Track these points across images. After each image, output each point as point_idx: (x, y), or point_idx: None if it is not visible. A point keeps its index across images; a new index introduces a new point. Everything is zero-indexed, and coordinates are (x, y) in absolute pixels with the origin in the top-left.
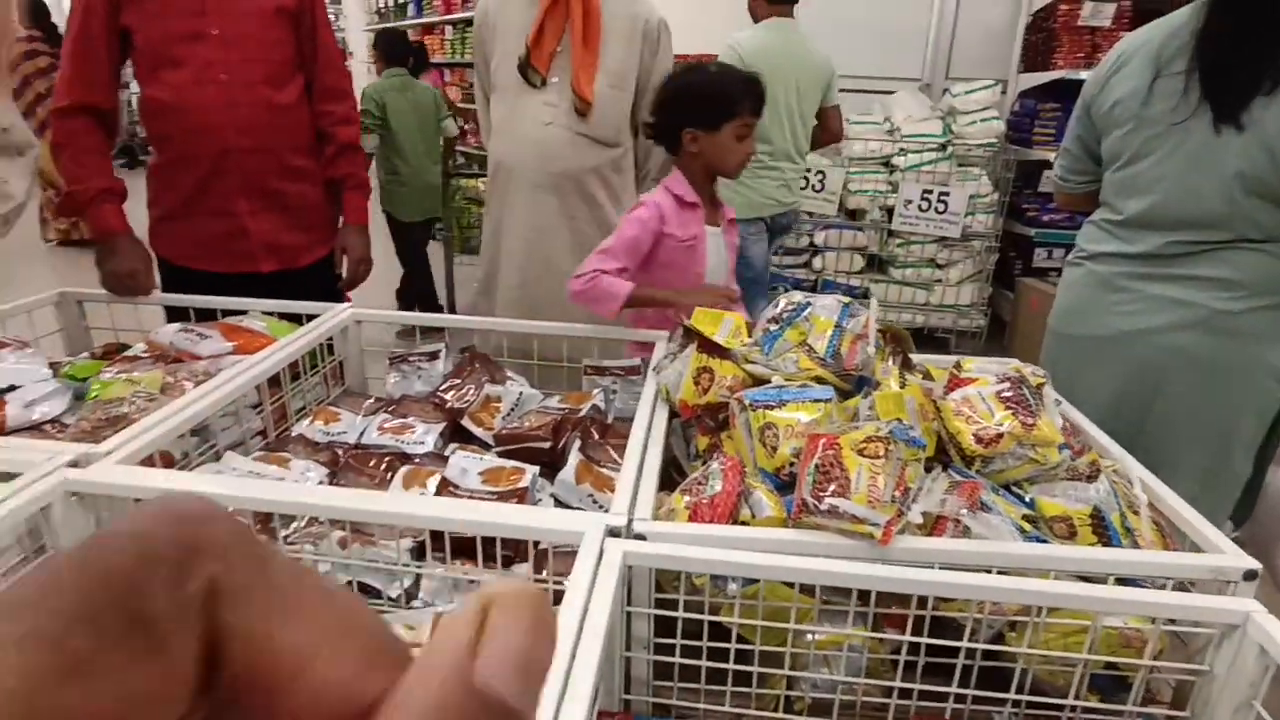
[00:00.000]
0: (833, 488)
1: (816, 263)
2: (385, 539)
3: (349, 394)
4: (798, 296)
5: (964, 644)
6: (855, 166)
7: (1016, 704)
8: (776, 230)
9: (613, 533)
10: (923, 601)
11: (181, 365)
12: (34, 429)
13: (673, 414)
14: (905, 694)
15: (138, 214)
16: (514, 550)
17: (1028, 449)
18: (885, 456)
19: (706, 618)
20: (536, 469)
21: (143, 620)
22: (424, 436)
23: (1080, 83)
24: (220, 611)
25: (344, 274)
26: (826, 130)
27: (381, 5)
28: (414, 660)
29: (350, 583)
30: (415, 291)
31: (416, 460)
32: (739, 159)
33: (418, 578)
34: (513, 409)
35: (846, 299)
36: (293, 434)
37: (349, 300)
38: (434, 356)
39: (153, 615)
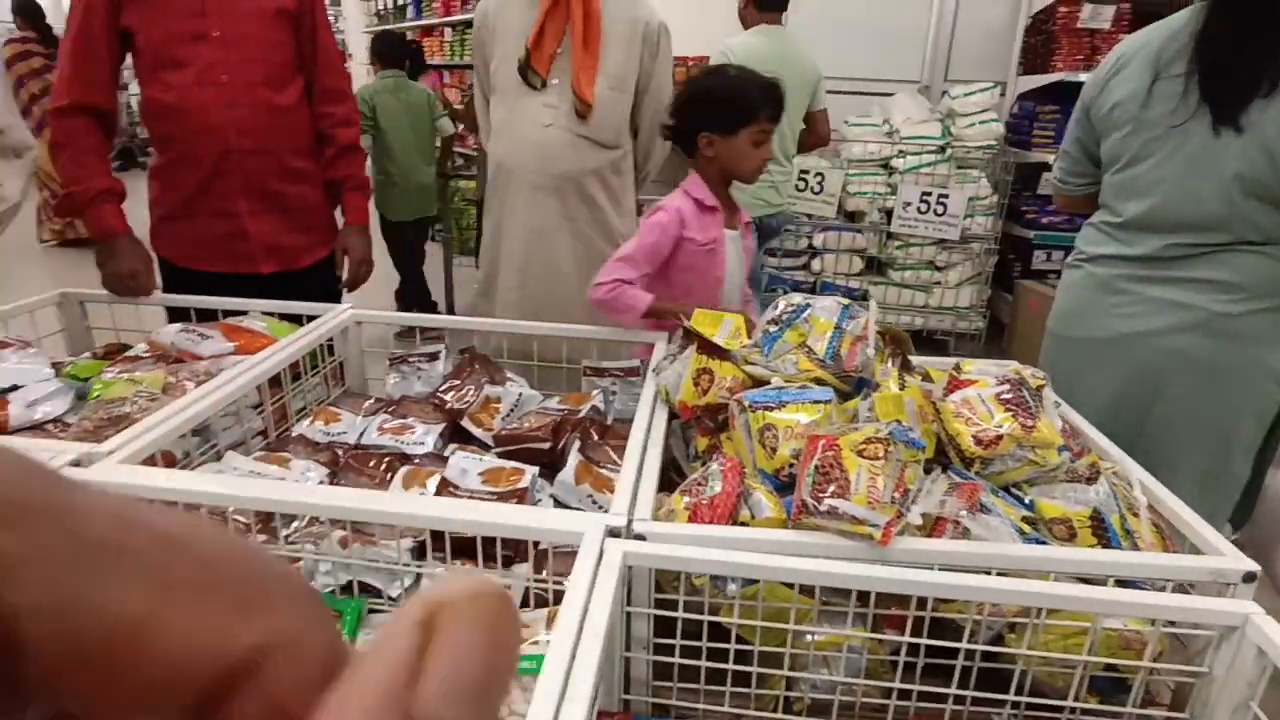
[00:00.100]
0: (832, 489)
1: (815, 265)
2: (386, 539)
3: (349, 394)
4: (797, 298)
5: (963, 645)
6: (854, 169)
7: (1016, 705)
8: (765, 232)
9: (612, 533)
10: (922, 603)
11: (183, 365)
12: (36, 429)
13: (672, 415)
14: (904, 695)
15: (138, 214)
16: (514, 550)
17: (1027, 451)
18: (885, 458)
19: (706, 618)
20: (536, 469)
21: None
22: (424, 437)
23: (1079, 85)
24: None
25: (345, 275)
26: (814, 133)
27: (381, 7)
28: (339, 682)
29: (351, 582)
30: (409, 291)
31: (416, 461)
32: (755, 164)
33: (418, 577)
34: (512, 410)
35: (846, 301)
36: (293, 434)
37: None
38: (434, 357)
39: None
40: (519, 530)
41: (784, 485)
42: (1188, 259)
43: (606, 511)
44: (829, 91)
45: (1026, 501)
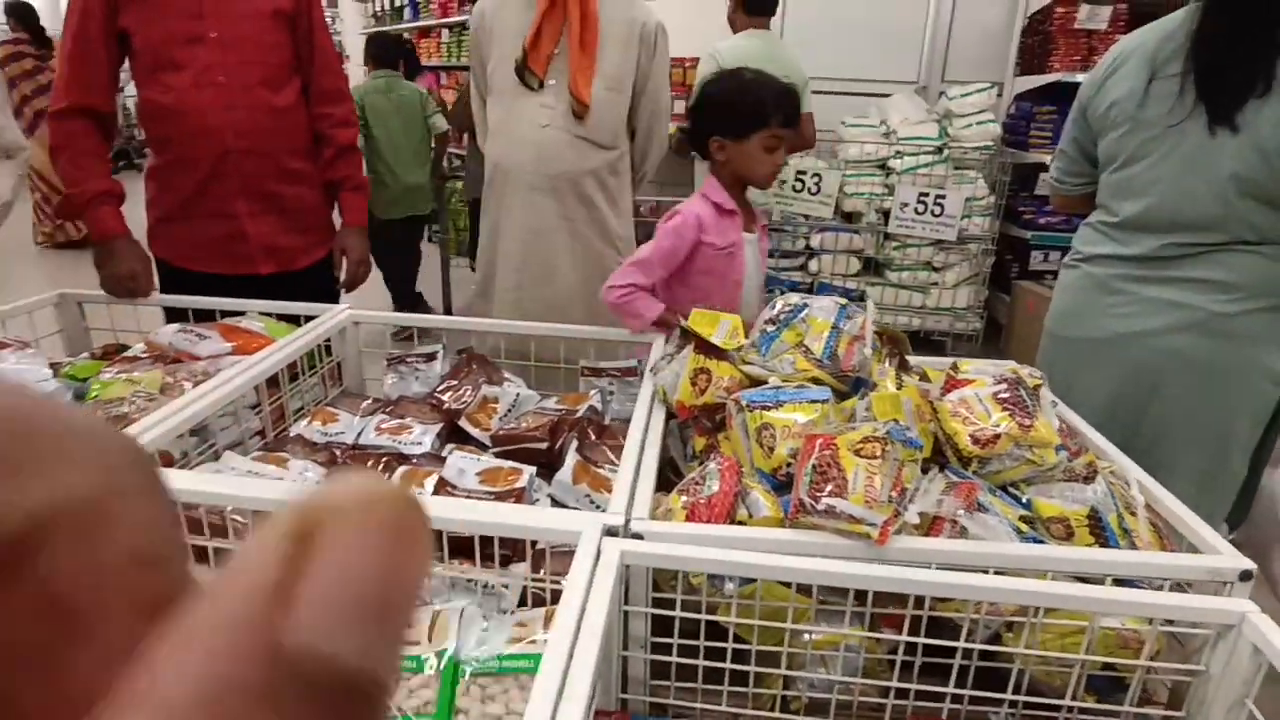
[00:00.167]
0: (830, 488)
1: (812, 265)
2: None
3: (347, 395)
4: (794, 298)
5: (961, 644)
6: (851, 169)
7: (1013, 704)
8: None
9: (610, 532)
10: (920, 601)
11: (180, 366)
12: None
13: (670, 415)
14: (902, 694)
15: (134, 216)
16: (512, 550)
17: (1025, 450)
18: (882, 457)
19: (704, 617)
20: (534, 469)
21: None
22: (421, 437)
23: (1077, 86)
24: None
25: (343, 276)
26: (800, 136)
27: (378, 9)
28: (186, 612)
29: None
30: (397, 291)
31: (414, 461)
32: (768, 170)
33: None
34: (510, 410)
35: (843, 300)
36: (291, 434)
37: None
38: (431, 358)
39: None
40: (516, 529)
41: (781, 484)
42: (1184, 259)
43: (604, 511)
44: (826, 93)
45: (1024, 501)
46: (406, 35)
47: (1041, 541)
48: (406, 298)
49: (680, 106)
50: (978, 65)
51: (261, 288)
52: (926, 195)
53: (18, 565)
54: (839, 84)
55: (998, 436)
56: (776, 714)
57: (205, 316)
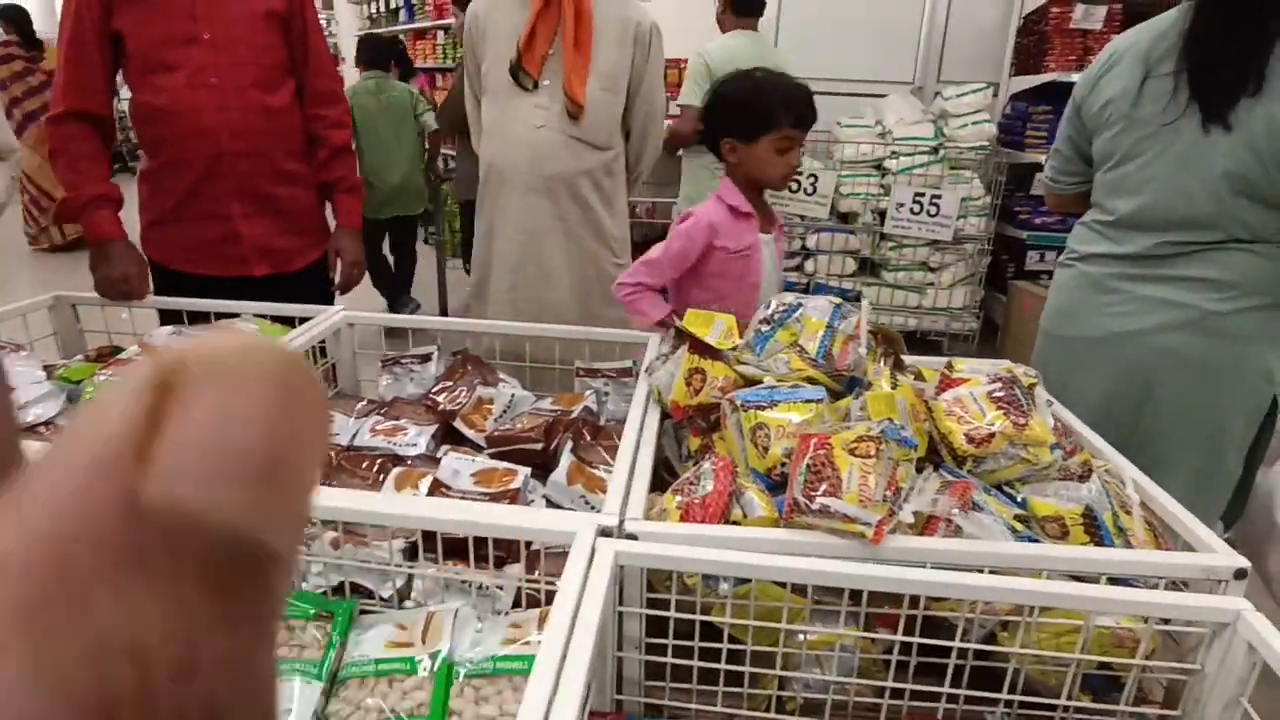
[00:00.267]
0: (824, 487)
1: (808, 266)
2: (377, 539)
3: (341, 396)
4: (789, 298)
5: (956, 644)
6: (847, 170)
7: (1009, 704)
8: None
9: (604, 533)
10: (915, 601)
11: None
12: (28, 431)
13: (664, 415)
14: (897, 694)
15: (129, 219)
16: (506, 551)
17: (1019, 449)
18: (877, 456)
19: (698, 618)
20: (528, 470)
21: None
22: (416, 438)
23: (1072, 85)
24: None
25: (337, 278)
26: None
27: (374, 11)
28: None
29: (343, 583)
30: (387, 290)
31: (409, 462)
32: (780, 172)
33: (410, 578)
34: (505, 411)
35: (838, 300)
36: None
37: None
38: (426, 359)
39: None
40: (510, 530)
41: (776, 484)
42: (1178, 257)
43: (599, 512)
44: (822, 93)
45: (1019, 500)
46: (401, 37)
47: (1036, 540)
48: (393, 297)
49: (673, 108)
50: (973, 65)
51: (256, 290)
52: (922, 195)
53: None
54: (834, 84)
55: (992, 435)
56: (772, 715)
57: (200, 319)
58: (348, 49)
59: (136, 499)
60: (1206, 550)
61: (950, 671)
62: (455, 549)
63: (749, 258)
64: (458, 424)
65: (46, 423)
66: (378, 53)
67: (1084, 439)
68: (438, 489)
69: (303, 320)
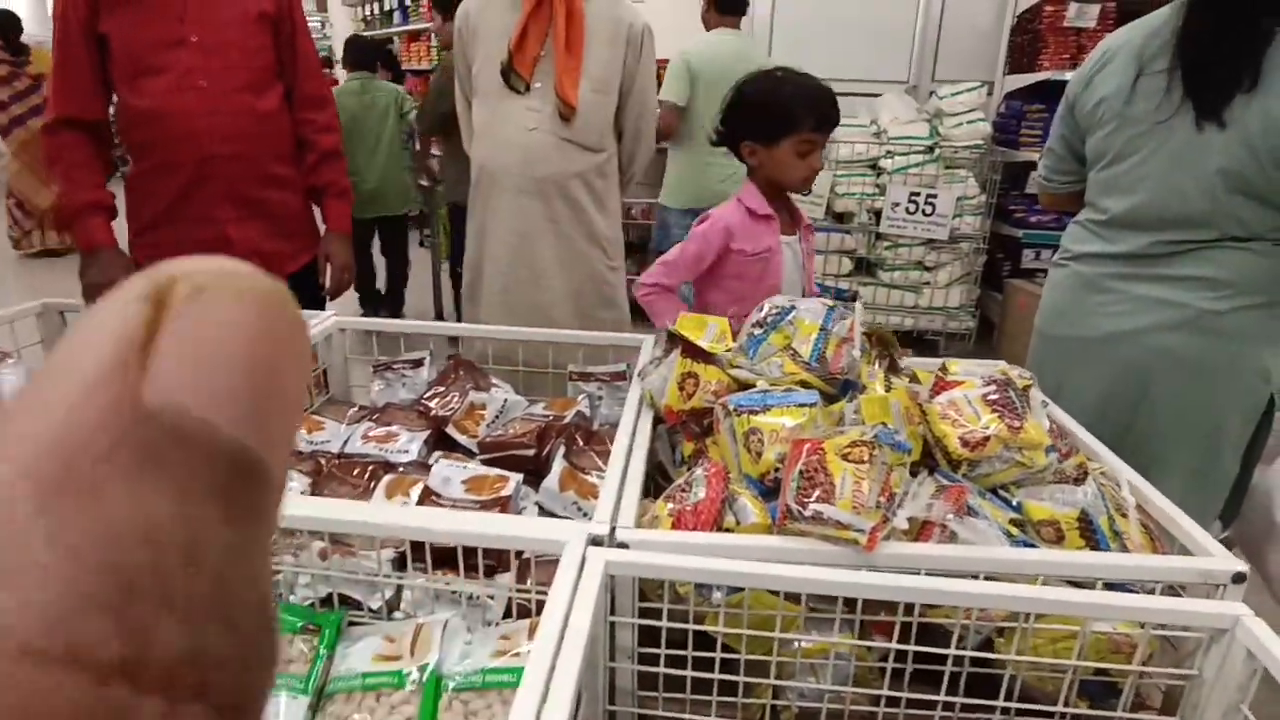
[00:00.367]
0: (817, 493)
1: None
2: (366, 550)
3: (332, 402)
4: (782, 300)
5: (952, 651)
6: (842, 169)
7: (1006, 711)
8: None
9: (595, 541)
10: (910, 608)
11: None
12: None
13: (658, 420)
14: (893, 702)
15: (118, 223)
16: (496, 560)
17: (1014, 452)
18: (870, 461)
19: (691, 627)
20: (520, 477)
21: None
22: (408, 445)
23: (1066, 84)
24: None
25: (327, 282)
26: None
27: (368, 13)
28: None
29: (331, 595)
30: (365, 292)
31: (400, 469)
32: (801, 175)
33: (399, 589)
34: (497, 416)
35: (831, 302)
36: None
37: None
38: (418, 364)
39: None
40: (499, 540)
41: (769, 490)
42: (1173, 256)
43: (591, 519)
44: None
45: (1014, 504)
46: (395, 39)
47: (1032, 545)
48: (372, 298)
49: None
50: (968, 64)
51: None
52: (918, 195)
53: None
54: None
55: (987, 439)
56: None
57: None
58: (342, 52)
59: (140, 399)
60: (1203, 554)
61: (946, 679)
62: (445, 558)
63: (768, 260)
64: (450, 430)
65: None
66: (363, 54)
67: (1079, 441)
68: (429, 496)
69: None
